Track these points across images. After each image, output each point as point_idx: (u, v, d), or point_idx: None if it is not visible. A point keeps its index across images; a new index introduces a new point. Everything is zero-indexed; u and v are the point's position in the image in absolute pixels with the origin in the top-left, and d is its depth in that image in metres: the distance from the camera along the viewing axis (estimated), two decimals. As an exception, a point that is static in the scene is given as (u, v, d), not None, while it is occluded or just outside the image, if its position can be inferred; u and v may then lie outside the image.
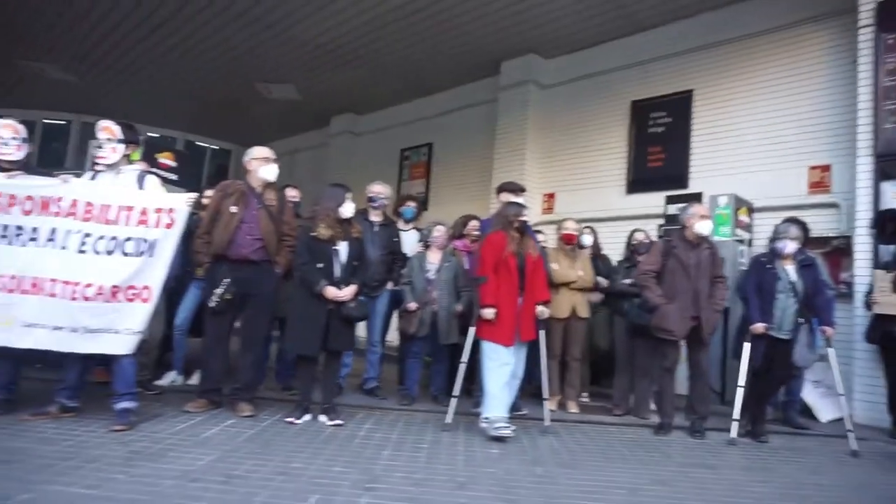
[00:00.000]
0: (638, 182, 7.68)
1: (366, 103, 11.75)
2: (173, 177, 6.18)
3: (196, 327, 5.08)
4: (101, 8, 8.87)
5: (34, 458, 2.92)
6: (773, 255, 4.66)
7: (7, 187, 3.70)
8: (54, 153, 14.22)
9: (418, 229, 6.13)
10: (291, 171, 13.77)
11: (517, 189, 5.32)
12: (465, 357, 4.42)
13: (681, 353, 4.79)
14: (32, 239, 3.69)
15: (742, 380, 4.54)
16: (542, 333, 4.53)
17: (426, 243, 5.37)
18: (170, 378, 5.21)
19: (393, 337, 5.75)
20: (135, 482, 2.71)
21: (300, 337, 4.12)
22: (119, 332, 3.69)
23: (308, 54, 9.72)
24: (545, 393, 4.60)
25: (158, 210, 3.73)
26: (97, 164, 3.88)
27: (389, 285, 5.46)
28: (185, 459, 3.10)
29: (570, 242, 5.39)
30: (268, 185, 4.46)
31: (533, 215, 8.59)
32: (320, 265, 4.12)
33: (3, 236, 3.69)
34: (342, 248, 4.22)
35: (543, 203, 8.74)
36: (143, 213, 3.72)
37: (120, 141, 3.83)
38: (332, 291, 4.07)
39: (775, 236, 4.69)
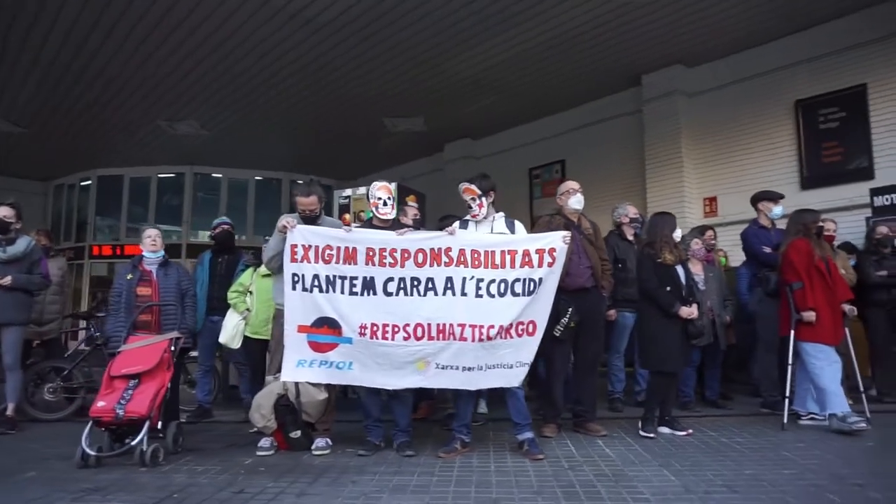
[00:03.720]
0: (814, 178, 7.90)
1: (485, 127, 12.07)
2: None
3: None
4: (241, 64, 9.25)
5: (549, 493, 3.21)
6: None
7: (401, 243, 4.03)
8: (169, 205, 14.71)
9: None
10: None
11: (776, 197, 5.60)
12: (790, 360, 4.67)
13: None
14: (430, 288, 4.00)
15: None
16: (847, 332, 4.78)
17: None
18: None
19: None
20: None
21: (664, 355, 4.39)
22: (512, 366, 3.99)
23: (448, 88, 10.08)
24: (861, 387, 4.84)
25: (539, 251, 4.03)
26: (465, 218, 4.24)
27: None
28: (656, 478, 3.37)
29: (829, 242, 5.63)
30: (580, 214, 4.76)
31: (694, 219, 8.87)
32: (668, 288, 4.40)
33: (402, 288, 4.02)
34: (680, 270, 4.51)
35: (705, 207, 8.99)
36: (526, 254, 4.03)
37: (482, 196, 4.17)
38: (686, 311, 4.36)
39: None
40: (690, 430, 4.46)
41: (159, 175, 14.63)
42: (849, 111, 7.67)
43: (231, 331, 4.89)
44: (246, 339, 4.96)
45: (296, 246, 4.05)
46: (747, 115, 8.62)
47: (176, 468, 3.71)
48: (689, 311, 4.38)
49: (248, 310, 4.93)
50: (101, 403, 3.77)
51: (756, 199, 5.78)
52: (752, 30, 8.25)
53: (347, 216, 6.40)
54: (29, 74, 9.62)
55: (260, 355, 4.99)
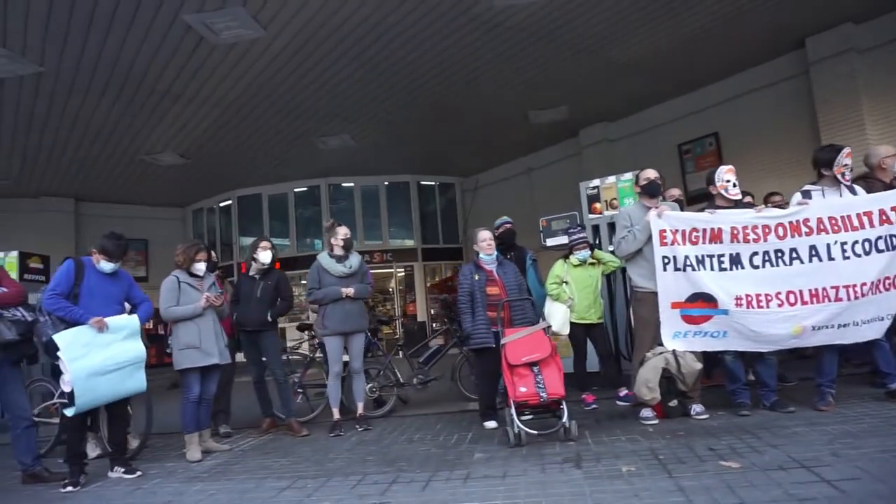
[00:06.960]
0: None
1: (622, 109, 12.27)
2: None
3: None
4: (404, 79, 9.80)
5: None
6: None
7: (761, 220, 4.35)
8: (305, 218, 15.40)
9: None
10: (531, 190, 14.48)
11: None
12: None
13: None
14: (795, 258, 4.31)
15: None
16: None
17: None
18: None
19: None
20: None
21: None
22: (883, 318, 4.26)
23: (600, 74, 10.33)
24: None
25: (894, 208, 4.29)
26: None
27: None
28: None
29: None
30: None
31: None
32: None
33: (767, 260, 4.34)
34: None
35: None
36: (882, 213, 4.27)
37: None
38: None
39: None
40: None
41: (295, 190, 15.31)
42: None
43: (561, 319, 5.29)
44: (571, 325, 5.36)
45: (664, 231, 4.41)
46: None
47: (580, 441, 4.09)
48: None
49: (570, 298, 5.32)
50: (522, 389, 4.20)
51: None
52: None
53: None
54: (204, 111, 10.32)
55: (583, 338, 5.41)
